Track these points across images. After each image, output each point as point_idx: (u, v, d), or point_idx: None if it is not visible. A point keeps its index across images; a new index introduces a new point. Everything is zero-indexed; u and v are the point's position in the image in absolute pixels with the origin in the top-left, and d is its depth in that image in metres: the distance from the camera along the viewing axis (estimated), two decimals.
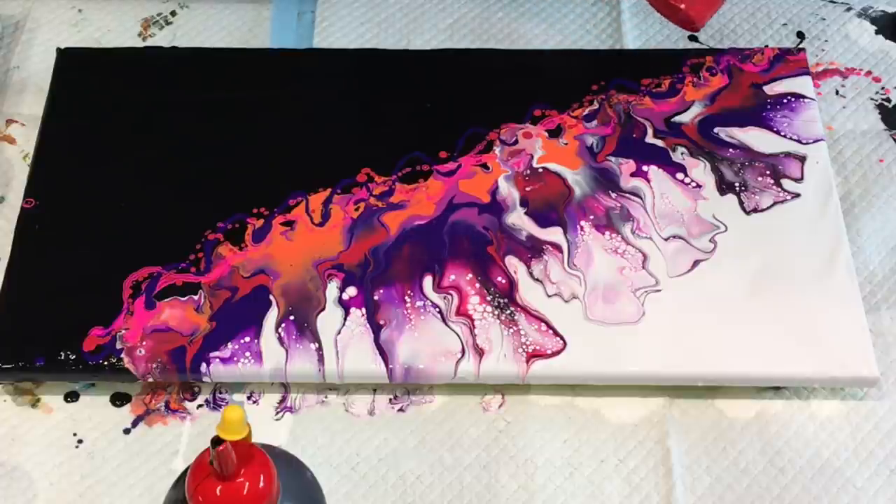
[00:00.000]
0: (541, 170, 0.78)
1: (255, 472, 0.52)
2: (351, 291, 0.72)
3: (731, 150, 0.79)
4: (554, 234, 0.75)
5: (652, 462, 0.69)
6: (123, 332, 0.71)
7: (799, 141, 0.80)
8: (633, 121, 0.81)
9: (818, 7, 0.91)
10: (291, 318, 0.71)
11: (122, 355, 0.70)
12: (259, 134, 0.80)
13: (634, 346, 0.70)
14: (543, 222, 0.76)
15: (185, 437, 0.70)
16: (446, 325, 0.71)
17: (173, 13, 0.91)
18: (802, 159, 0.79)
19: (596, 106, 0.82)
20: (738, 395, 0.71)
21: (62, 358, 0.70)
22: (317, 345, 0.70)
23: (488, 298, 0.72)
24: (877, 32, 0.89)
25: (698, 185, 0.78)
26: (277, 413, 0.71)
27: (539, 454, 0.69)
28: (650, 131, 0.80)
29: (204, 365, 0.70)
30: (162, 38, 0.89)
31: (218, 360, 0.70)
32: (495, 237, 0.75)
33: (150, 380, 0.70)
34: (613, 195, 0.77)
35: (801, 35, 0.89)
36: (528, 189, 0.77)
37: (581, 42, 0.89)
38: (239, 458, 0.51)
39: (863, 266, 0.77)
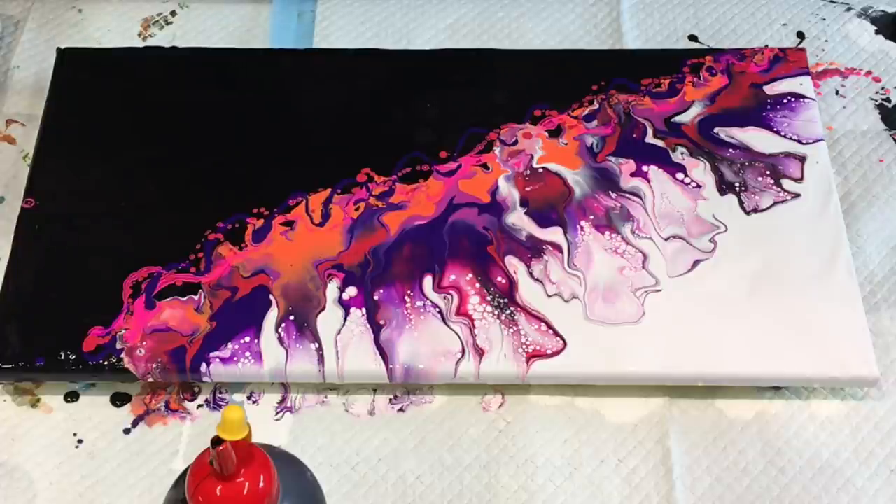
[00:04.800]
0: (541, 170, 0.78)
1: (255, 472, 0.52)
2: (351, 291, 0.72)
3: (731, 150, 0.79)
4: (554, 234, 0.75)
5: (652, 462, 0.69)
6: (123, 332, 0.71)
7: (799, 141, 0.80)
8: (633, 121, 0.81)
9: (818, 7, 0.91)
10: (291, 318, 0.71)
11: (122, 355, 0.70)
12: (259, 134, 0.80)
13: (634, 346, 0.70)
14: (543, 222, 0.76)
15: (185, 437, 0.70)
16: (446, 325, 0.71)
17: (173, 13, 0.91)
18: (802, 159, 0.79)
19: (596, 106, 0.82)
20: (738, 395, 0.71)
21: (62, 358, 0.70)
22: (317, 345, 0.70)
23: (488, 298, 0.72)
24: (877, 32, 0.89)
25: (698, 185, 0.78)
26: (277, 413, 0.71)
27: (539, 454, 0.69)
28: (650, 131, 0.80)
29: (204, 365, 0.70)
30: (162, 38, 0.89)
31: (218, 360, 0.70)
32: (495, 237, 0.75)
33: (150, 380, 0.70)
34: (613, 195, 0.77)
35: (801, 35, 0.89)
36: (528, 189, 0.77)
37: (581, 42, 0.89)
38: (239, 458, 0.51)
39: (863, 266, 0.77)
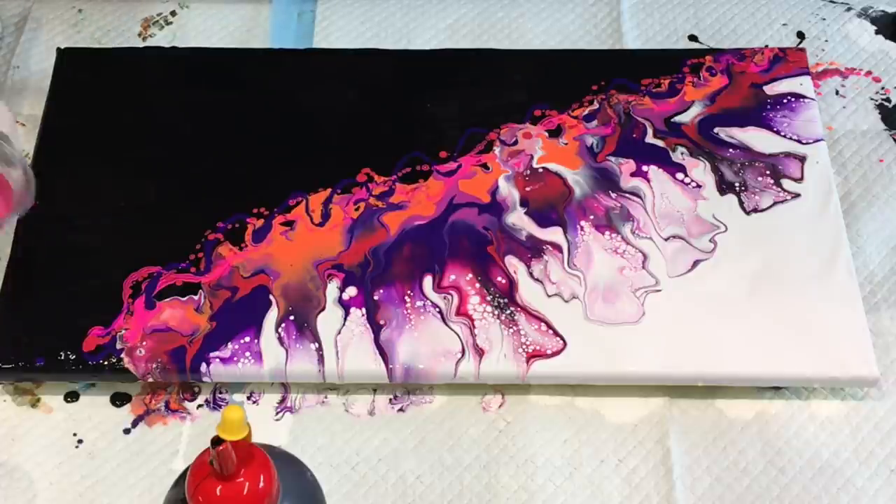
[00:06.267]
0: (541, 170, 0.78)
1: (255, 472, 0.52)
2: (351, 291, 0.72)
3: (731, 150, 0.79)
4: (554, 234, 0.75)
5: (652, 462, 0.69)
6: (123, 332, 0.71)
7: (799, 141, 0.80)
8: (633, 121, 0.81)
9: (818, 7, 0.91)
10: (291, 318, 0.71)
11: (122, 355, 0.70)
12: (259, 134, 0.80)
13: (634, 346, 0.70)
14: (543, 222, 0.76)
15: (185, 437, 0.70)
16: (446, 325, 0.71)
17: (173, 13, 0.91)
18: (802, 159, 0.79)
19: (596, 106, 0.82)
20: (738, 395, 0.71)
21: (62, 358, 0.70)
22: (317, 345, 0.70)
23: (488, 298, 0.72)
24: (877, 32, 0.89)
25: (698, 185, 0.78)
26: (277, 413, 0.71)
27: (539, 454, 0.69)
28: (650, 131, 0.80)
29: (204, 365, 0.70)
30: (162, 38, 0.89)
31: (218, 360, 0.70)
32: (495, 237, 0.75)
33: (150, 380, 0.70)
34: (613, 195, 0.77)
35: (801, 35, 0.89)
36: (528, 189, 0.77)
37: (581, 42, 0.89)
38: (239, 458, 0.51)
39: (863, 266, 0.76)
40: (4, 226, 0.69)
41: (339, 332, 0.71)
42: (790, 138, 0.80)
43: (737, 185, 0.78)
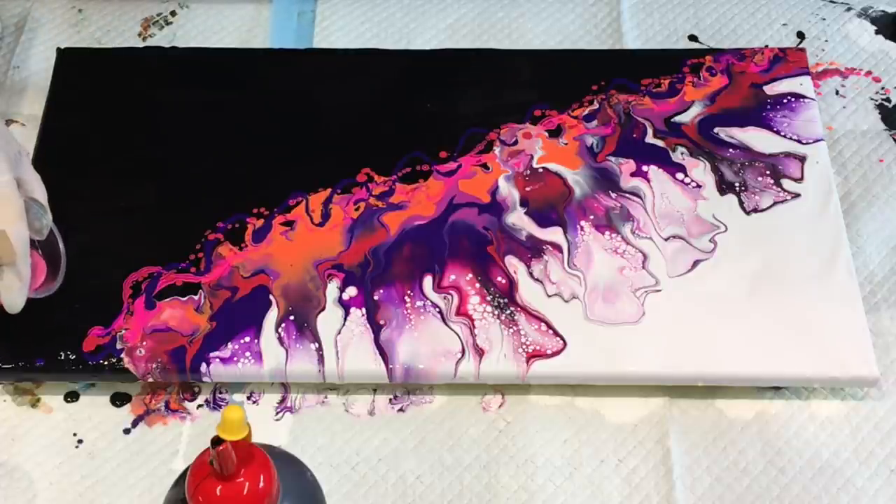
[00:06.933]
0: (541, 170, 0.78)
1: (255, 472, 0.52)
2: (351, 291, 0.72)
3: (731, 150, 0.79)
4: (554, 234, 0.75)
5: (652, 462, 0.69)
6: (123, 332, 0.71)
7: (799, 141, 0.80)
8: (633, 121, 0.81)
9: (818, 7, 0.91)
10: (291, 318, 0.71)
11: (122, 355, 0.70)
12: (259, 134, 0.80)
13: (634, 346, 0.70)
14: (543, 222, 0.76)
15: (185, 437, 0.70)
16: (446, 325, 0.71)
17: (173, 13, 0.91)
18: (802, 159, 0.79)
19: (596, 106, 0.82)
20: (738, 395, 0.71)
21: (62, 358, 0.70)
22: (317, 345, 0.70)
23: (488, 298, 0.72)
24: (877, 32, 0.89)
25: (698, 185, 0.78)
26: (277, 413, 0.71)
27: (539, 454, 0.69)
28: (650, 131, 0.80)
29: (204, 365, 0.70)
30: (162, 38, 0.89)
31: (218, 360, 0.70)
32: (495, 237, 0.75)
33: (150, 380, 0.70)
34: (613, 195, 0.77)
35: (801, 35, 0.89)
36: (528, 189, 0.77)
37: (581, 42, 0.89)
38: (239, 458, 0.51)
39: (863, 266, 0.76)
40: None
41: (339, 332, 0.71)
42: (790, 138, 0.80)
43: (737, 185, 0.78)
